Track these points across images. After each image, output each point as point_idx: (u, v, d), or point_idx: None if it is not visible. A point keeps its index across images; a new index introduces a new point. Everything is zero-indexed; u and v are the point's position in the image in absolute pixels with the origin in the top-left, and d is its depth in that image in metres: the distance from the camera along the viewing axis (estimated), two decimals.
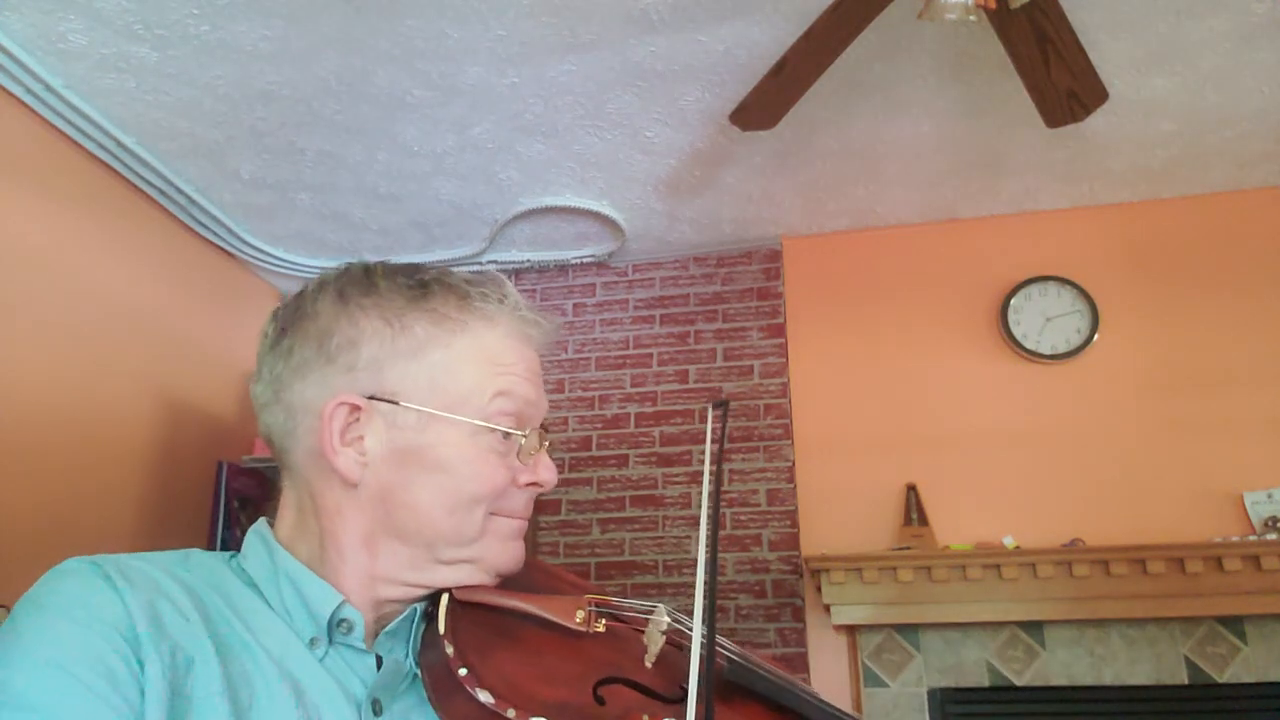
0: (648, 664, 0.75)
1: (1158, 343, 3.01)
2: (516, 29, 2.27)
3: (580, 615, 0.76)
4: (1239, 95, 2.58)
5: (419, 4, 2.17)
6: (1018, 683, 2.71)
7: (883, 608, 2.79)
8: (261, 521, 0.78)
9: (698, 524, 3.15)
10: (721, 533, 3.13)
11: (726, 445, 3.21)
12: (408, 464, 0.73)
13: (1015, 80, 2.17)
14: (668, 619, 0.78)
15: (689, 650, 0.77)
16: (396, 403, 0.73)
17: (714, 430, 0.73)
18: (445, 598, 0.73)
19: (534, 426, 0.78)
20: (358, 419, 0.73)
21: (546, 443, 0.80)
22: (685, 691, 0.72)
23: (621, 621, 0.80)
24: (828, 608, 2.84)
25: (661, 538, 3.17)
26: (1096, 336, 3.03)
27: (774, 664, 0.87)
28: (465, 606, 0.73)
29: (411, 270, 0.79)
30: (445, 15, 2.21)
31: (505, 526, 0.77)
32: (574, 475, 3.32)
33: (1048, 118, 2.20)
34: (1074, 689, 2.70)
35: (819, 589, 2.84)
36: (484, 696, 0.64)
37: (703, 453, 3.23)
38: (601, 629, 0.77)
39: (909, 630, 2.81)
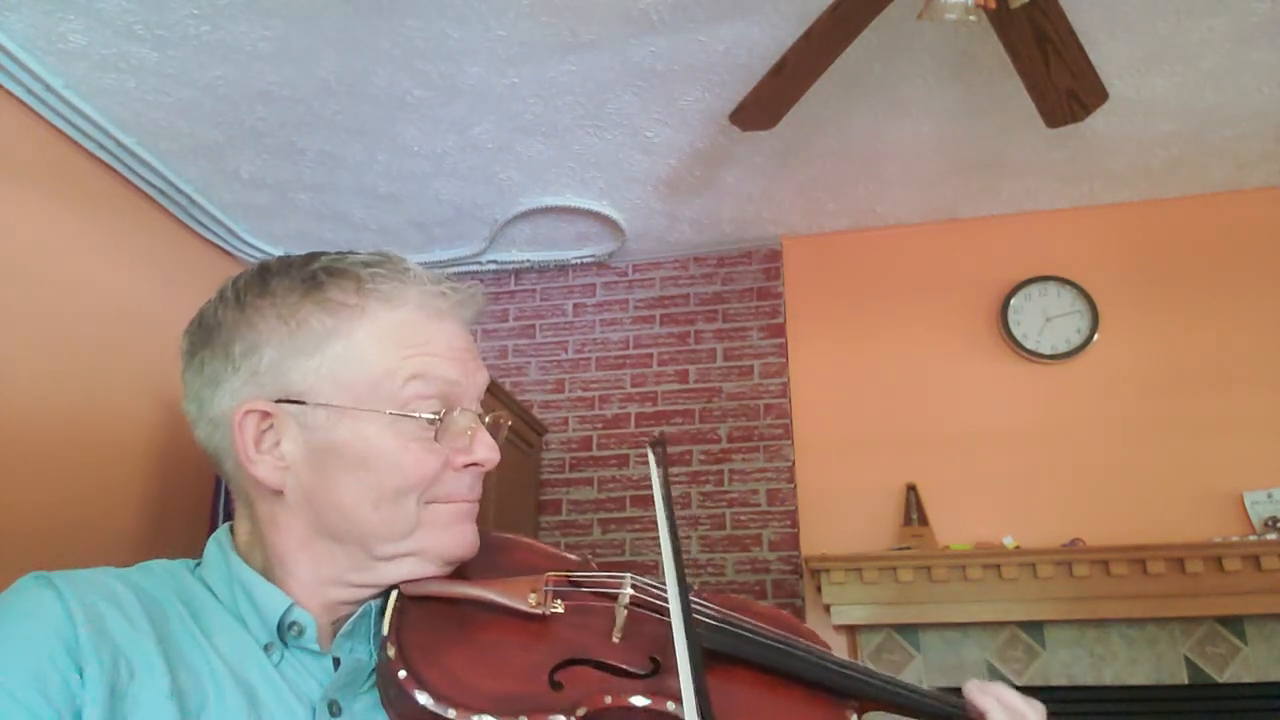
0: (615, 639, 0.73)
1: (1158, 343, 3.01)
2: (516, 29, 2.27)
3: (533, 597, 0.72)
4: (1239, 95, 2.58)
5: (419, 4, 2.17)
6: (1018, 683, 2.71)
7: (883, 608, 2.79)
8: (224, 528, 0.77)
9: (697, 523, 3.15)
10: (721, 533, 3.13)
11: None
12: (327, 463, 0.71)
13: (1015, 80, 2.17)
14: (632, 590, 0.75)
15: (659, 618, 0.74)
16: (304, 403, 0.71)
17: (658, 471, 0.70)
18: (393, 595, 0.71)
19: (464, 405, 0.74)
20: (271, 425, 0.71)
21: (486, 419, 0.76)
22: (656, 663, 0.71)
23: (585, 597, 0.76)
24: (828, 608, 2.84)
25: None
26: (1096, 336, 3.03)
27: (770, 613, 0.83)
28: (414, 601, 0.71)
29: (306, 261, 0.75)
30: (445, 15, 2.21)
31: (445, 513, 0.73)
32: (574, 475, 3.32)
33: (1048, 118, 2.20)
34: (1074, 689, 2.70)
35: (819, 589, 2.84)
36: (423, 698, 0.62)
37: (703, 453, 3.23)
38: (559, 609, 0.73)
39: (909, 630, 2.81)
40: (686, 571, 3.24)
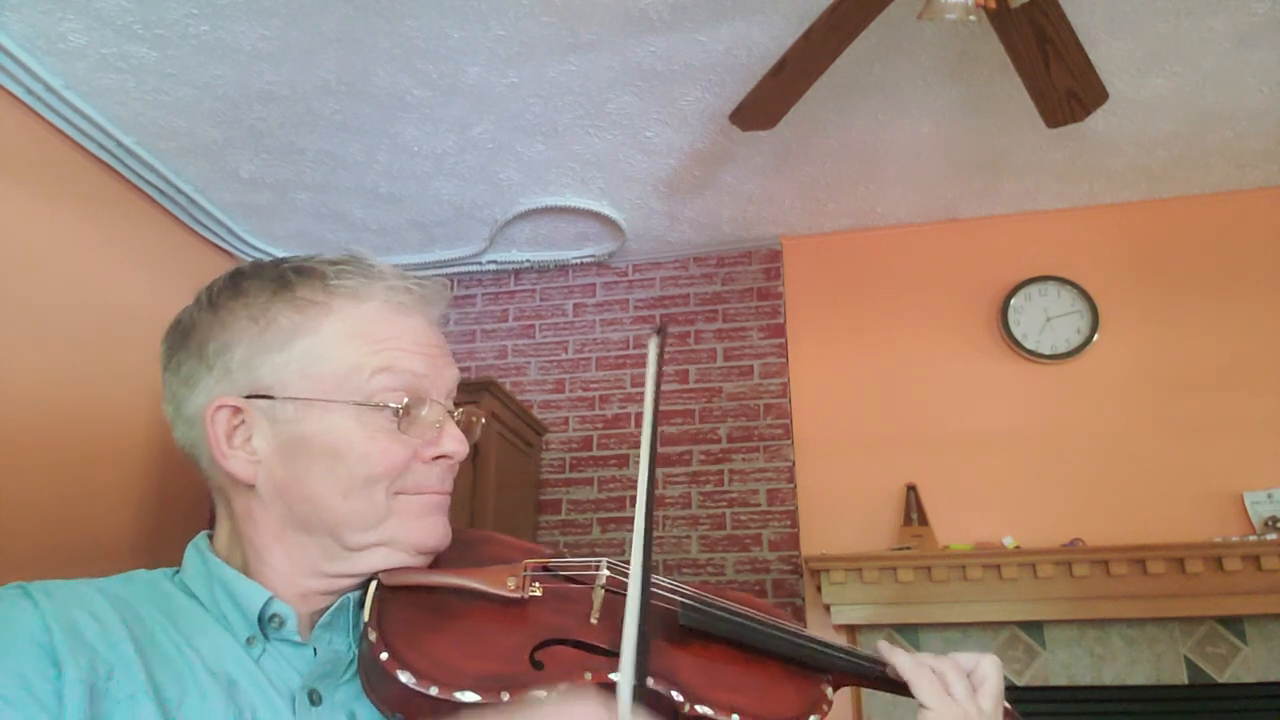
0: (593, 620, 0.74)
1: (1158, 343, 3.01)
2: (516, 29, 2.27)
3: (512, 582, 0.74)
4: (1239, 95, 2.58)
5: (419, 4, 2.17)
6: (1018, 683, 2.71)
7: (883, 608, 2.79)
8: (201, 535, 0.80)
9: (697, 523, 3.15)
10: (721, 533, 3.13)
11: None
12: (297, 456, 0.73)
13: (1015, 80, 2.17)
14: (608, 572, 0.77)
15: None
16: (272, 397, 0.73)
17: (653, 358, 0.73)
18: (373, 584, 0.73)
19: (432, 398, 0.77)
20: (242, 420, 0.74)
21: (457, 413, 0.79)
22: None
23: (563, 581, 0.79)
24: (828, 608, 2.84)
25: (662, 537, 3.17)
26: (1096, 336, 3.03)
27: (750, 602, 0.85)
28: (394, 590, 0.72)
29: (277, 263, 0.79)
30: (445, 15, 2.21)
31: (415, 504, 0.75)
32: (574, 475, 3.32)
33: (1048, 118, 2.20)
34: (1074, 689, 2.70)
35: (819, 589, 2.84)
36: (404, 677, 0.64)
37: (703, 453, 3.23)
38: (538, 592, 0.75)
39: (909, 630, 2.81)
40: (687, 573, 3.21)
